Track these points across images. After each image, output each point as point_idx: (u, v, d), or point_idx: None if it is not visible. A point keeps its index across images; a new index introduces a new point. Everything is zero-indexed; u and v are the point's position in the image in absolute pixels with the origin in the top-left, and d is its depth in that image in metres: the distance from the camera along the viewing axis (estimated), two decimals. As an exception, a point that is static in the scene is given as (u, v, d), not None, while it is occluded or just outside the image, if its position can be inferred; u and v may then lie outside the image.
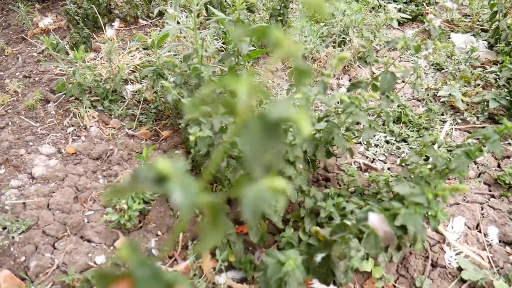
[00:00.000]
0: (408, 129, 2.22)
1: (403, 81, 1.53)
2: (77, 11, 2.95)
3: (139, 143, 2.15)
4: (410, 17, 3.08)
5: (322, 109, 2.39)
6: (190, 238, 1.60)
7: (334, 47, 2.76)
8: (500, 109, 2.29)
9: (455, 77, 2.55)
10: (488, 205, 1.78)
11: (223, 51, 2.53)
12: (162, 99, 2.27)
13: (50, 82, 2.55)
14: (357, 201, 1.53)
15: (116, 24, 3.25)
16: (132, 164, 2.01)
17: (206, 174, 0.38)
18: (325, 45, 2.79)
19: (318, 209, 1.53)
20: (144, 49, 2.84)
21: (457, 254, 1.56)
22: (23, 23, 3.25)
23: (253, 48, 2.08)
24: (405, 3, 3.39)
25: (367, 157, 2.08)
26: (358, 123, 1.61)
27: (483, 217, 1.72)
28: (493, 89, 2.32)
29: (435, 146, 1.87)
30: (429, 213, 1.09)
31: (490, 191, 1.87)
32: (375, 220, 0.91)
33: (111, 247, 1.60)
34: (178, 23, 2.54)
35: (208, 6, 2.62)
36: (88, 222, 1.69)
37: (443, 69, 2.69)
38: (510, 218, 1.70)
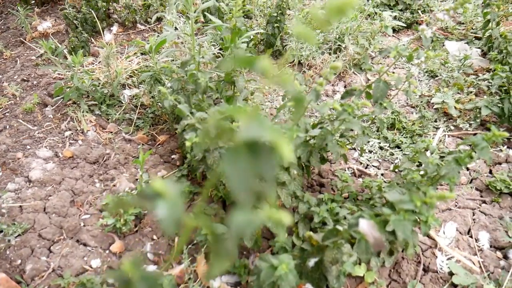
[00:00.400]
0: (402, 135, 2.25)
1: (396, 88, 1.56)
2: (76, 15, 2.98)
3: (136, 147, 2.17)
4: (405, 25, 3.13)
5: (317, 115, 2.41)
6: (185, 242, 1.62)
7: (329, 54, 2.80)
8: (492, 116, 2.32)
9: (449, 84, 2.59)
10: (479, 210, 1.80)
11: (220, 57, 2.56)
12: (159, 104, 2.29)
13: (48, 86, 2.57)
14: (351, 207, 1.56)
15: (115, 28, 3.27)
16: (129, 169, 2.03)
17: (205, 194, 0.40)
18: (321, 52, 2.82)
19: (312, 214, 1.55)
20: (142, 54, 2.86)
21: (448, 259, 1.58)
22: (22, 27, 3.27)
23: (250, 54, 2.11)
24: (401, 10, 3.44)
25: (361, 163, 2.11)
26: (352, 130, 1.64)
27: (474, 222, 1.74)
28: (485, 96, 2.36)
29: (428, 153, 1.90)
30: (420, 219, 1.12)
31: (481, 197, 1.90)
32: (365, 226, 0.93)
33: (107, 251, 1.62)
34: (176, 29, 2.57)
35: (206, 12, 2.65)
36: (84, 225, 1.70)
37: (437, 76, 2.72)
38: (501, 224, 1.72)
